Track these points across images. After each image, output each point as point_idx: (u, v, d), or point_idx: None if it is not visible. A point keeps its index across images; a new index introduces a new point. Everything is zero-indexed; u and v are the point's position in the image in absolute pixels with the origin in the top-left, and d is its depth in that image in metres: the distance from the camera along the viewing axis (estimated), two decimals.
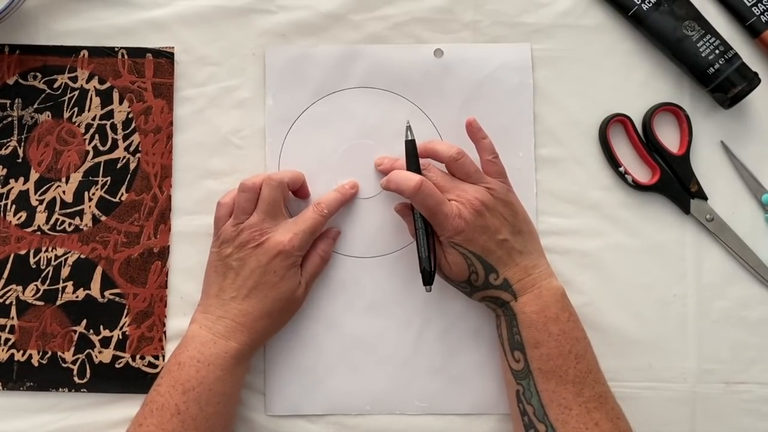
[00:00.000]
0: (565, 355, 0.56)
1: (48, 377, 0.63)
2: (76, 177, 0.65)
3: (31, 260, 0.64)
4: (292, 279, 0.59)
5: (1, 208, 0.64)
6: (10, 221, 0.64)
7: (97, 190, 0.65)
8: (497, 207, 0.58)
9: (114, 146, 0.65)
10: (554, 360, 0.56)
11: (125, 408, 0.63)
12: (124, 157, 0.65)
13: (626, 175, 0.65)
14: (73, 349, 0.63)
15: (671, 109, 0.66)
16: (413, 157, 0.60)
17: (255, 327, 0.58)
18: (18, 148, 0.65)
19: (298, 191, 0.63)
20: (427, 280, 0.59)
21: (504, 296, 0.58)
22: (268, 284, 0.58)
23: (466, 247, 0.57)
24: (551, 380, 0.56)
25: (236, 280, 0.59)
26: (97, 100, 0.65)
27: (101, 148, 0.65)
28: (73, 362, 0.63)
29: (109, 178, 0.65)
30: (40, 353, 0.63)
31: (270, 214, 0.60)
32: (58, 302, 0.64)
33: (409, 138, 0.61)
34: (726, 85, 0.64)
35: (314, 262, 0.62)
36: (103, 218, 0.64)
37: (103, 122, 0.65)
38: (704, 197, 0.65)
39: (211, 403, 0.56)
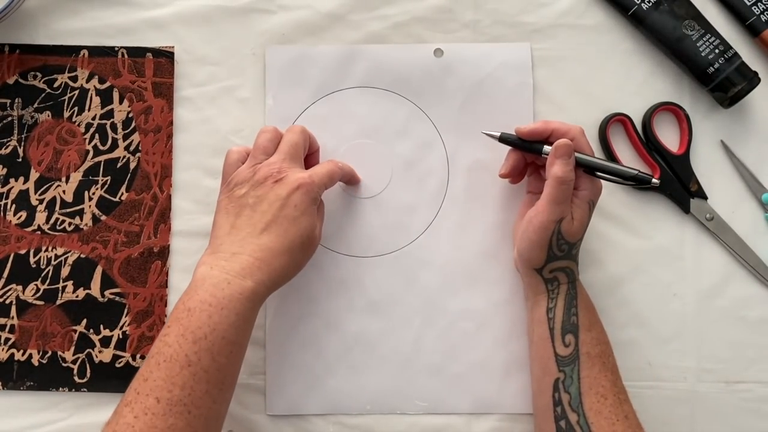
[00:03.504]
0: (608, 341, 0.57)
1: (48, 377, 0.63)
2: (76, 176, 0.65)
3: (31, 260, 0.64)
4: (312, 216, 0.56)
5: (1, 208, 0.64)
6: (10, 221, 0.64)
7: (97, 189, 0.65)
8: None
9: (114, 146, 0.65)
10: (601, 345, 0.57)
11: None
12: (124, 157, 0.65)
13: None
14: (73, 348, 0.63)
15: (671, 108, 0.66)
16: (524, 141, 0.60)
17: (273, 264, 0.54)
18: (18, 147, 0.65)
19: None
20: (649, 178, 0.58)
21: (576, 271, 0.59)
22: (288, 218, 0.55)
23: (593, 211, 0.58)
24: (595, 366, 0.56)
25: (253, 216, 0.55)
26: (97, 100, 0.65)
27: (101, 147, 0.65)
28: (74, 362, 0.63)
29: (109, 178, 0.65)
30: (40, 353, 0.63)
31: (292, 156, 0.57)
32: (58, 302, 0.64)
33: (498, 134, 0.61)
34: (726, 85, 0.64)
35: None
36: (103, 218, 0.64)
37: (103, 122, 0.65)
38: (704, 196, 0.65)
39: (224, 353, 0.51)
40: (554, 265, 0.58)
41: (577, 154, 0.58)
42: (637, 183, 0.58)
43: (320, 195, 0.58)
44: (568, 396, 0.55)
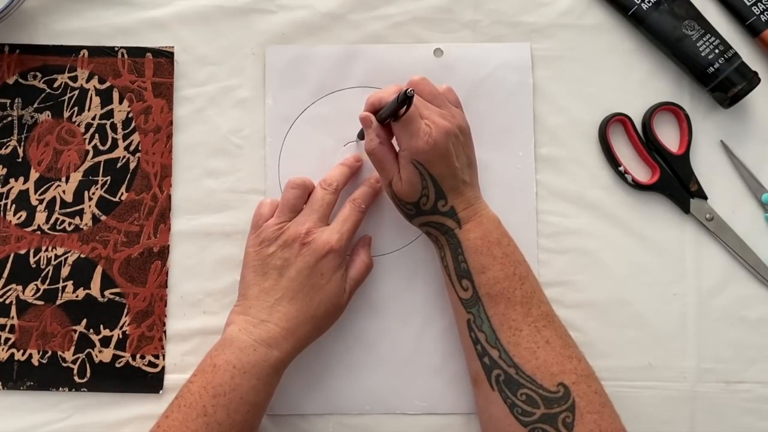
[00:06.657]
0: (510, 277, 0.56)
1: (48, 377, 0.63)
2: (76, 176, 0.65)
3: (31, 260, 0.64)
4: (339, 282, 0.58)
5: (1, 208, 0.64)
6: (10, 221, 0.64)
7: (97, 189, 0.65)
8: (458, 135, 0.58)
9: (114, 146, 0.65)
10: (501, 283, 0.56)
11: (125, 407, 0.63)
12: (124, 157, 0.65)
13: (626, 175, 0.65)
14: (73, 348, 0.63)
15: (671, 108, 0.66)
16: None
17: (298, 332, 0.57)
18: (18, 147, 0.65)
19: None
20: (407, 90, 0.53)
21: (449, 223, 0.58)
22: (315, 287, 0.57)
23: (427, 169, 0.57)
24: (500, 303, 0.56)
25: (280, 281, 0.57)
26: (96, 100, 0.65)
27: (101, 147, 0.65)
28: (74, 361, 0.63)
29: (109, 178, 0.65)
30: (40, 353, 0.63)
31: (321, 215, 0.59)
32: (58, 302, 0.64)
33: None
34: (726, 85, 0.64)
35: (359, 269, 0.61)
36: (103, 218, 0.64)
37: (103, 122, 0.65)
38: (704, 197, 0.65)
39: (240, 412, 0.54)
40: (420, 219, 0.59)
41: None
42: (405, 100, 0.54)
43: (347, 257, 0.60)
44: (484, 335, 0.56)
